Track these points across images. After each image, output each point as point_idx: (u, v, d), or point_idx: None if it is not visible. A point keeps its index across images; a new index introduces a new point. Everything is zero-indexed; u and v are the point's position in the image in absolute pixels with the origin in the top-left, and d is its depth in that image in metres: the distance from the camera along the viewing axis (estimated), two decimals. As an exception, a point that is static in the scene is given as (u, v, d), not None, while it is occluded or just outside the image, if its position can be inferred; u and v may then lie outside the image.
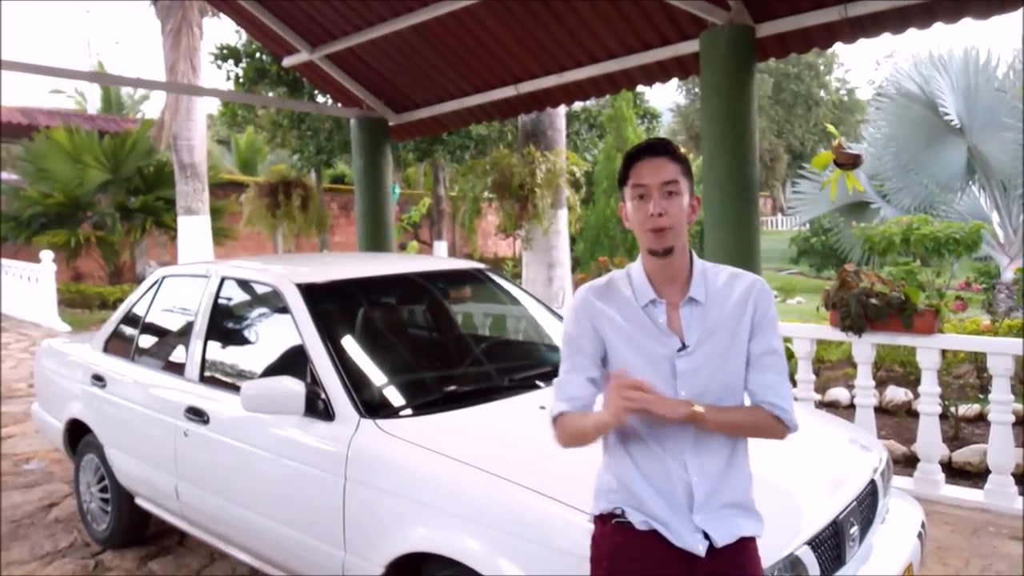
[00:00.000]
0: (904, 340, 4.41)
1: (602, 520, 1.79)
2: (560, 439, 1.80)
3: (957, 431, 5.29)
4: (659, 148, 1.73)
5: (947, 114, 10.84)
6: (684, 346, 1.72)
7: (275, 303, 3.24)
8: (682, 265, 1.76)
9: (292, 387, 2.69)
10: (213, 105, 20.79)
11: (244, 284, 3.58)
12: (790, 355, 4.84)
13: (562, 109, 8.69)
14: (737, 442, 1.77)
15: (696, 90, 32.85)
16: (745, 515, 1.76)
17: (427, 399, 2.94)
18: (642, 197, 1.71)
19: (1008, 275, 9.65)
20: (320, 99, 12.91)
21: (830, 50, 10.67)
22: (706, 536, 1.69)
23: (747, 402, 1.80)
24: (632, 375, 1.72)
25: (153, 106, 31.04)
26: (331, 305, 3.20)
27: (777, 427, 1.77)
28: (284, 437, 2.83)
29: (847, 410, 5.67)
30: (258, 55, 13.64)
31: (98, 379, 3.98)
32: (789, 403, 1.78)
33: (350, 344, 3.11)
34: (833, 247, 14.61)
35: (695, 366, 1.71)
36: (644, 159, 1.72)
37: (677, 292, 1.76)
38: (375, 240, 7.46)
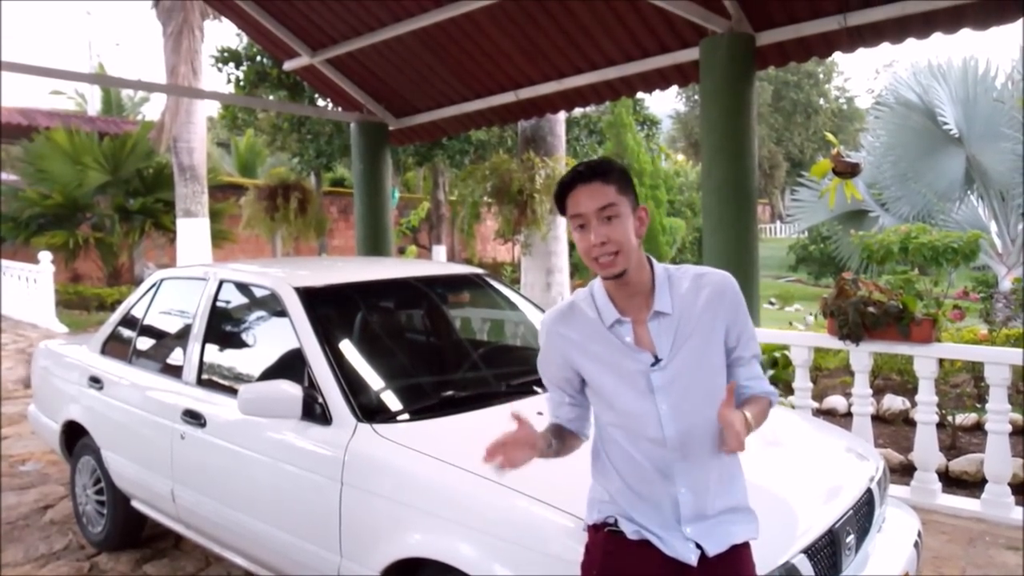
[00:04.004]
0: (902, 349, 4.42)
1: (595, 529, 1.79)
2: None
3: (954, 440, 5.29)
4: (588, 173, 1.67)
5: (946, 124, 10.88)
6: (657, 360, 1.70)
7: (273, 306, 3.24)
8: (641, 279, 1.72)
9: (289, 391, 2.68)
10: (213, 108, 20.81)
11: (242, 287, 3.57)
12: (787, 363, 4.84)
13: (562, 115, 8.71)
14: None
15: (696, 97, 32.93)
16: (739, 519, 1.75)
17: (424, 404, 2.93)
18: (582, 227, 1.66)
19: (1006, 284, 9.67)
20: (320, 103, 12.93)
21: (829, 59, 10.69)
22: (698, 545, 1.69)
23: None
24: (609, 395, 1.74)
25: (153, 108, 31.07)
26: (329, 309, 3.20)
27: (768, 412, 1.81)
28: (281, 441, 2.83)
29: (844, 418, 5.67)
30: (259, 58, 13.65)
31: (95, 381, 3.97)
32: (772, 389, 1.85)
33: (348, 348, 3.11)
34: (831, 255, 14.64)
35: (671, 378, 1.70)
36: (577, 187, 1.67)
37: (642, 306, 1.73)
38: (374, 244, 7.47)
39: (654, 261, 1.78)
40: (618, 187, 1.67)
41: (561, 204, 1.71)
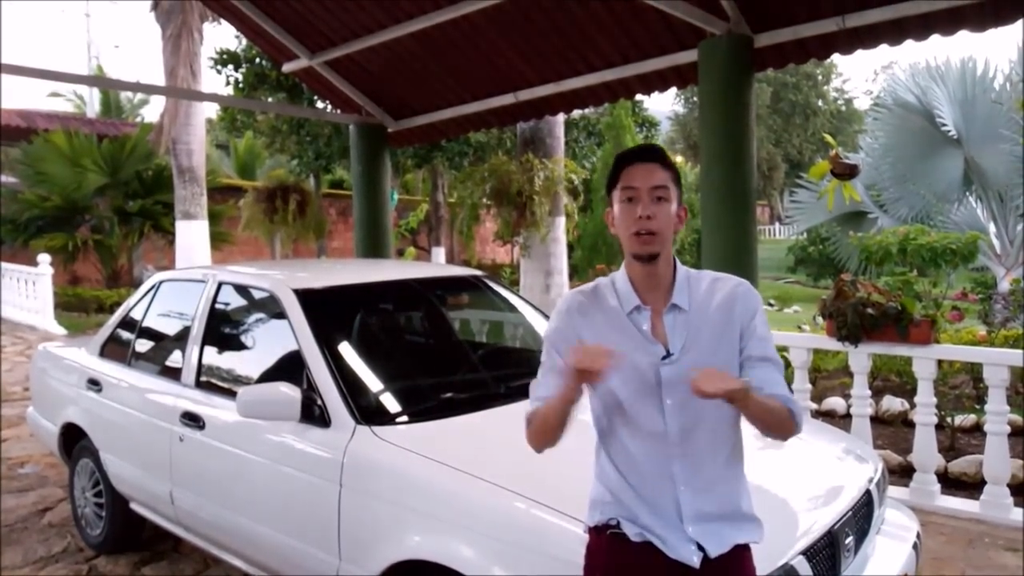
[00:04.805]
0: (900, 350, 4.42)
1: (596, 531, 1.77)
2: (530, 439, 1.78)
3: (953, 441, 5.29)
4: (651, 154, 1.74)
5: (944, 125, 10.89)
6: (669, 354, 1.70)
7: (272, 309, 3.24)
8: (666, 272, 1.75)
9: (288, 393, 2.68)
10: (212, 110, 20.83)
11: (241, 289, 3.57)
12: (786, 364, 4.84)
13: (560, 117, 8.71)
14: (730, 451, 1.76)
15: (694, 99, 32.95)
16: (741, 524, 1.74)
17: (423, 406, 2.93)
18: (631, 200, 1.70)
19: (1004, 286, 9.67)
20: (319, 105, 12.93)
21: (828, 60, 10.72)
22: (700, 547, 1.68)
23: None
24: (615, 385, 1.70)
25: (152, 110, 31.04)
26: (328, 311, 3.20)
27: (788, 423, 1.71)
28: (280, 443, 2.83)
29: (843, 420, 5.67)
30: (258, 60, 13.64)
31: (94, 383, 3.97)
32: (797, 404, 1.75)
33: (347, 350, 3.11)
34: (830, 256, 14.65)
35: (680, 374, 1.67)
36: (635, 163, 1.72)
37: (661, 299, 1.74)
38: (373, 246, 7.46)
39: (678, 261, 1.80)
40: (672, 176, 1.73)
41: (614, 175, 1.75)
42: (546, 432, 1.74)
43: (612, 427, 1.75)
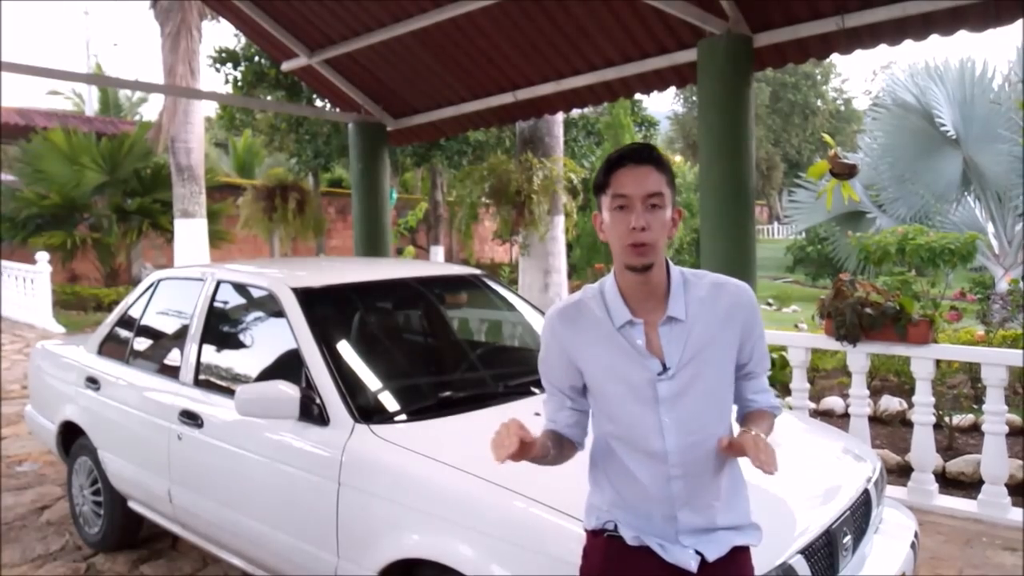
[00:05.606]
0: (899, 350, 4.43)
1: (593, 533, 1.75)
2: None
3: (951, 441, 5.30)
4: (643, 155, 1.59)
5: (943, 125, 10.91)
6: (665, 368, 1.62)
7: (271, 307, 3.24)
8: (659, 280, 1.64)
9: (287, 391, 2.68)
10: (211, 108, 20.82)
11: (240, 287, 3.57)
12: (785, 363, 4.85)
13: (560, 116, 8.72)
14: (731, 467, 1.72)
15: (694, 98, 32.94)
16: (739, 530, 1.71)
17: (422, 405, 2.93)
18: (623, 208, 1.57)
19: (1002, 286, 9.68)
20: (318, 103, 12.92)
21: (827, 60, 10.73)
22: (698, 551, 1.65)
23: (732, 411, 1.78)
24: (610, 403, 1.67)
25: (151, 108, 31.08)
26: (327, 309, 3.20)
27: (773, 422, 1.77)
28: (278, 442, 2.83)
29: (841, 419, 5.68)
30: (257, 59, 13.64)
31: (92, 381, 3.97)
32: (776, 400, 1.81)
33: (345, 349, 3.11)
34: (829, 256, 14.67)
35: (678, 390, 1.61)
36: (627, 166, 1.58)
37: (655, 309, 1.64)
38: (372, 245, 7.46)
39: (670, 263, 1.69)
40: (667, 178, 1.61)
41: (604, 179, 1.61)
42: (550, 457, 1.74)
43: (609, 443, 1.70)
